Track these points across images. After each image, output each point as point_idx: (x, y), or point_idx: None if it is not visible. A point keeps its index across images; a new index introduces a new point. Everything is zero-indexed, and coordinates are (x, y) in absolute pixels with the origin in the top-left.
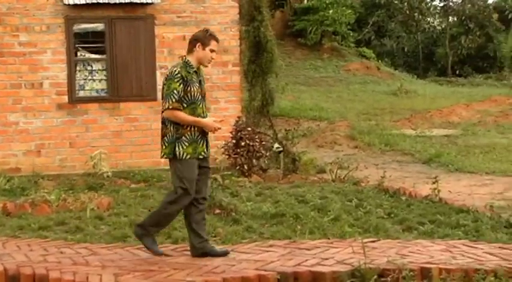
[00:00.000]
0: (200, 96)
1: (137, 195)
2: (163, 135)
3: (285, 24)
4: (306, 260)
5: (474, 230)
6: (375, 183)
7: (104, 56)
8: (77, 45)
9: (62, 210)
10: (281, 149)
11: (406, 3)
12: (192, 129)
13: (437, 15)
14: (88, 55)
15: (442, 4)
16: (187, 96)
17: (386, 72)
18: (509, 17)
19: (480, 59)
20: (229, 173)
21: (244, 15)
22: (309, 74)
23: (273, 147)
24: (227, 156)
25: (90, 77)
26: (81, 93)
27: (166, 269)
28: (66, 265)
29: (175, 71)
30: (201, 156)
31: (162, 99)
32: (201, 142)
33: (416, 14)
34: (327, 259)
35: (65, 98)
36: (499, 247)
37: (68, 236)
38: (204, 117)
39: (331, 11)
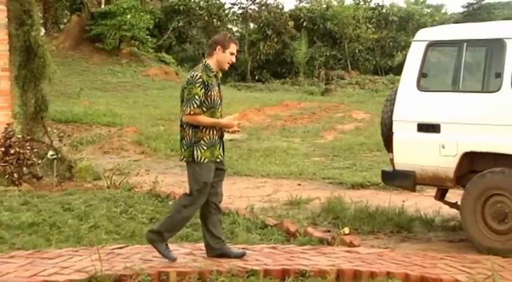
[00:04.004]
0: (219, 100)
1: None
2: (181, 138)
3: (82, 29)
4: (45, 270)
5: (230, 232)
6: (149, 188)
7: None
8: None
9: None
10: (55, 156)
11: (204, 10)
12: (211, 132)
13: (235, 22)
14: None
15: (240, 11)
16: (208, 100)
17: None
18: (304, 24)
19: (278, 64)
20: None
21: (13, 18)
22: (107, 79)
23: (47, 154)
24: None
25: None
26: None
27: None
28: None
29: (196, 75)
30: (218, 160)
31: (182, 102)
32: (218, 146)
33: (215, 20)
34: (67, 268)
35: None
36: (242, 248)
37: None
38: None
39: (129, 16)
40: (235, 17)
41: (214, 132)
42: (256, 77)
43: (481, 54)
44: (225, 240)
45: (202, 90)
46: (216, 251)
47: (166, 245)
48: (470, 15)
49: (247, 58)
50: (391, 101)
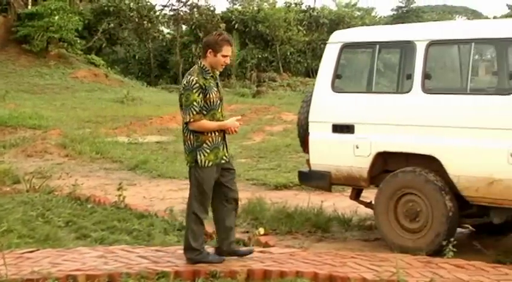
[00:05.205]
0: (218, 101)
1: None
2: (183, 143)
3: (9, 30)
4: None
5: (147, 234)
6: (69, 191)
7: None
8: None
9: None
10: None
11: (135, 11)
12: (213, 135)
13: (166, 24)
14: None
15: (172, 13)
16: (207, 103)
17: (115, 80)
18: (236, 26)
19: None
20: None
21: None
22: (34, 82)
23: None
24: None
25: None
26: None
27: None
28: None
29: (192, 80)
30: (223, 161)
31: (181, 108)
32: (222, 146)
33: (146, 22)
34: None
35: None
36: (155, 250)
37: None
38: (222, 120)
39: (57, 17)
40: (167, 19)
41: (217, 134)
42: None
43: (394, 56)
44: (144, 242)
45: (200, 95)
46: (224, 248)
47: (208, 252)
48: (400, 18)
49: (179, 60)
50: (307, 102)
